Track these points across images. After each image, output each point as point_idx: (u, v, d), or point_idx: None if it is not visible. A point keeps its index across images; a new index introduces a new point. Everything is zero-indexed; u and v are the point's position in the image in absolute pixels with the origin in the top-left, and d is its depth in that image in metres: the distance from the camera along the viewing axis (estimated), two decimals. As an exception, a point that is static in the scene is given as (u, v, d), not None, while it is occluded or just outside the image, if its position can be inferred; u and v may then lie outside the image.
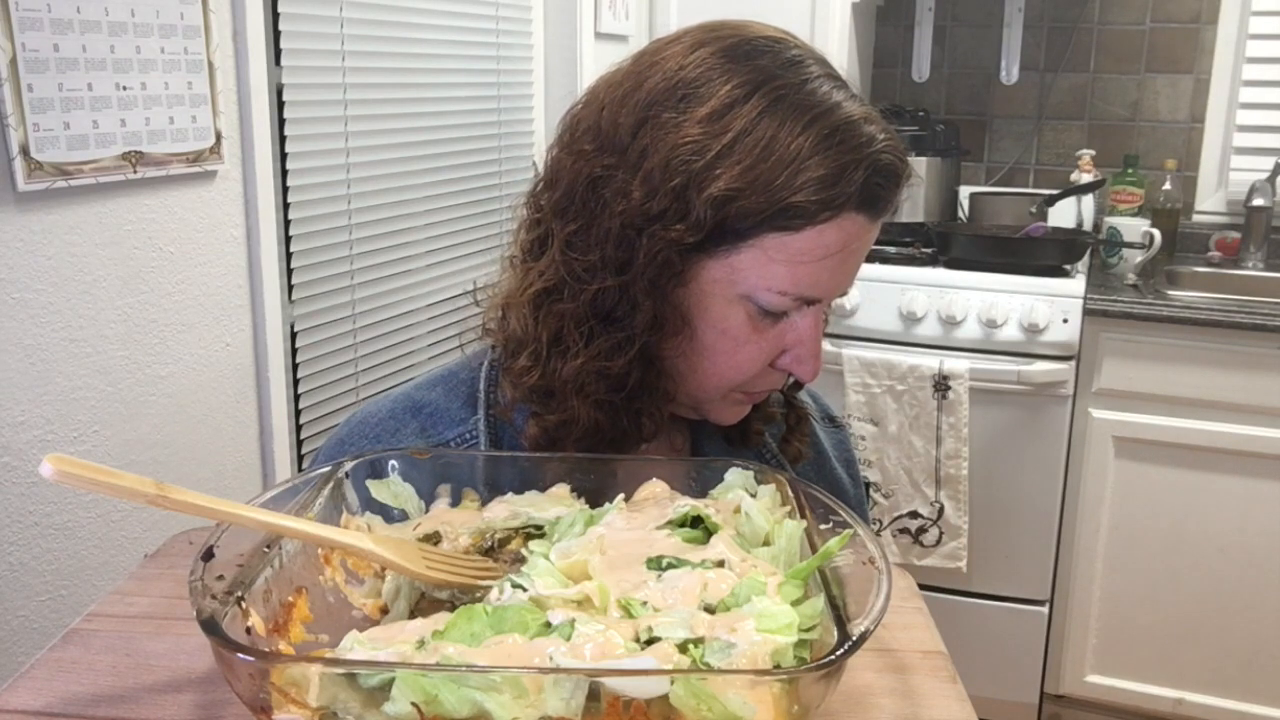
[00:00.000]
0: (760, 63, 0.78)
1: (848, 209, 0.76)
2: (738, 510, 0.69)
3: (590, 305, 0.79)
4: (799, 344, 0.81)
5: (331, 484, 0.70)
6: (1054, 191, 2.69)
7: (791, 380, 0.90)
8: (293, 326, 1.74)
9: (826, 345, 2.54)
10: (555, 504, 0.72)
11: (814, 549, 0.62)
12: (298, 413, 1.78)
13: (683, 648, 0.54)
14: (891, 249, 2.62)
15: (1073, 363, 2.28)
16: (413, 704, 0.49)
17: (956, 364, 2.29)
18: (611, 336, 0.79)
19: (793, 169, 0.75)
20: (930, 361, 2.30)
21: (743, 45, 0.79)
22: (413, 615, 0.65)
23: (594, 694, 0.49)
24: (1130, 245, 2.55)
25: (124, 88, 1.34)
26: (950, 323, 2.33)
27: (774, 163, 0.75)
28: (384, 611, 0.66)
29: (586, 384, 0.80)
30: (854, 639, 0.52)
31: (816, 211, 0.75)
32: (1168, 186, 2.72)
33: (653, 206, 0.76)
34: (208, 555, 0.58)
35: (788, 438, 0.96)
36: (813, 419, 1.00)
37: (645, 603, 0.58)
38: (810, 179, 0.75)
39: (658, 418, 0.84)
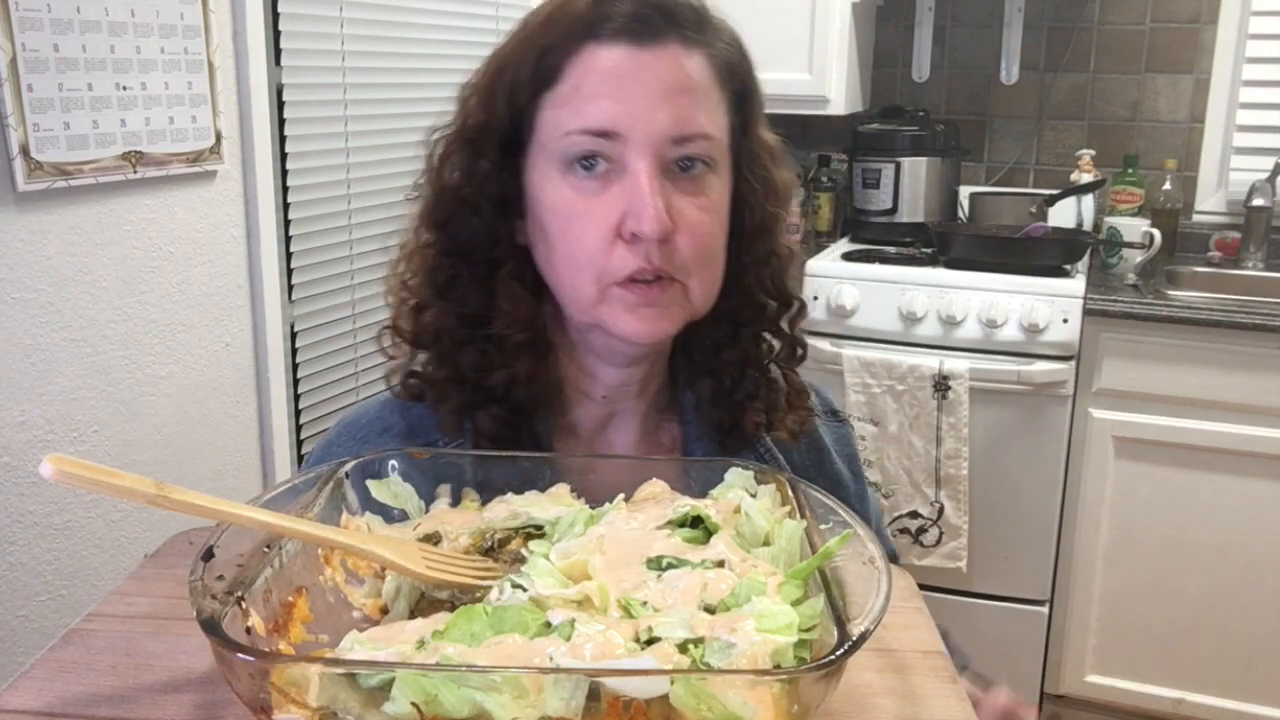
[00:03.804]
0: None
1: (586, 41, 0.79)
2: (738, 510, 0.69)
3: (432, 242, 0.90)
4: (630, 197, 0.79)
5: (331, 484, 0.70)
6: (1054, 191, 2.69)
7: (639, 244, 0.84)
8: (293, 326, 1.74)
9: (826, 345, 2.57)
10: (555, 504, 0.72)
11: (814, 549, 0.62)
12: (298, 413, 1.78)
13: (683, 648, 0.54)
14: (891, 249, 2.62)
15: (1073, 363, 2.28)
16: (413, 704, 0.49)
17: (956, 364, 2.29)
18: (451, 262, 0.88)
19: (533, 31, 0.81)
20: (930, 361, 2.30)
21: None
22: (413, 615, 0.65)
23: (594, 694, 0.49)
24: (1130, 245, 2.54)
25: (124, 88, 1.34)
26: (950, 323, 2.33)
27: (521, 37, 0.82)
28: (384, 611, 0.66)
29: (409, 288, 0.89)
30: (854, 639, 0.52)
31: (559, 58, 0.80)
32: (1168, 186, 2.72)
33: (454, 129, 0.87)
34: (208, 555, 0.58)
35: (784, 416, 0.94)
36: (815, 414, 0.99)
37: (645, 603, 0.58)
38: (544, 32, 0.80)
39: (525, 340, 0.86)
